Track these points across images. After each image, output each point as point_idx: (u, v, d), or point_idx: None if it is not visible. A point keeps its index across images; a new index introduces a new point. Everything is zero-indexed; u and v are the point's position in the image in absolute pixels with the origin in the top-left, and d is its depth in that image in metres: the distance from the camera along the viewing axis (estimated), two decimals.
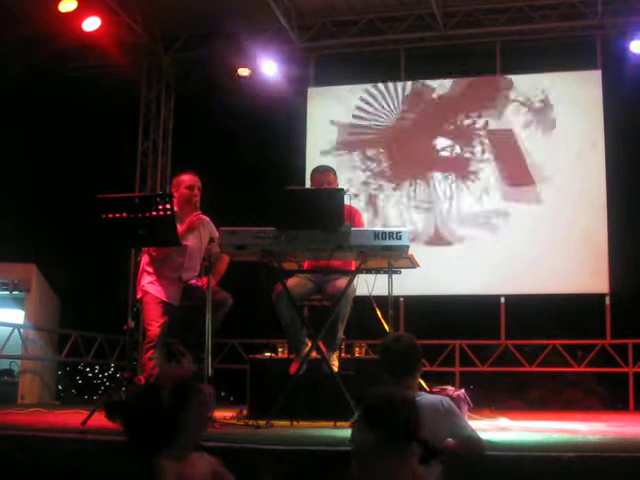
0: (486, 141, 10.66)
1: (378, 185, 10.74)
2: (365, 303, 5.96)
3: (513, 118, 10.64)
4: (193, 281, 6.02)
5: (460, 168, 10.67)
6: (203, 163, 9.98)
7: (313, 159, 10.50)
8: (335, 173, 6.18)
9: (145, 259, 6.01)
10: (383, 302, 5.76)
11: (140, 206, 5.28)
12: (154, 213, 5.27)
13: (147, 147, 11.87)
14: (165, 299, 5.89)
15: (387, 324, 5.69)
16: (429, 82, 11.08)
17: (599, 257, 10.05)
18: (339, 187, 5.37)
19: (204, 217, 6.15)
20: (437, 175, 10.73)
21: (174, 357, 6.19)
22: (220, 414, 6.07)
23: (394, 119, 11.03)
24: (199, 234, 6.04)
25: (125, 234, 5.37)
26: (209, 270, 5.61)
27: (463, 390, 5.51)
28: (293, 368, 5.57)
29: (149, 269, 5.98)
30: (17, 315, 9.56)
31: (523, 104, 10.62)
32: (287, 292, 5.53)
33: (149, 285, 5.94)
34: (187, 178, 6.16)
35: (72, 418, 5.43)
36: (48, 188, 11.02)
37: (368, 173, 10.83)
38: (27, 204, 10.75)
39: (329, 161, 9.76)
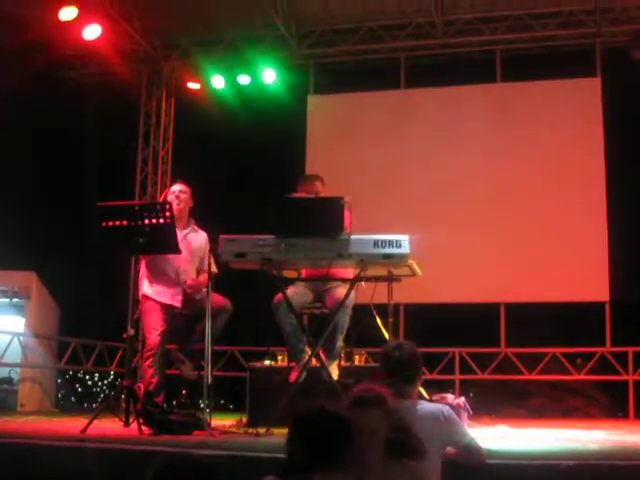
0: None
1: None
2: (365, 311, 5.96)
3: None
4: (189, 282, 6.03)
5: None
6: (203, 170, 10.04)
7: (313, 166, 10.49)
8: (322, 180, 6.17)
9: (143, 265, 6.04)
10: (383, 310, 5.76)
11: (140, 214, 5.29)
12: (154, 221, 5.28)
13: (147, 154, 11.88)
14: (166, 301, 5.92)
15: (387, 332, 5.68)
16: None
17: (599, 265, 10.05)
18: (339, 195, 5.37)
19: (197, 229, 6.21)
20: None
21: (174, 365, 6.20)
22: (219, 422, 6.06)
23: None
24: (188, 245, 6.09)
25: (125, 242, 5.37)
26: (210, 278, 5.61)
27: (463, 398, 5.50)
28: (293, 376, 5.56)
29: (148, 274, 6.02)
30: (17, 322, 9.56)
31: None
32: (287, 300, 5.53)
33: (149, 289, 5.97)
34: (172, 187, 6.30)
35: (71, 426, 5.41)
36: (48, 195, 11.03)
37: None
38: (27, 211, 10.76)
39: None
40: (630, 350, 9.96)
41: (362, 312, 5.92)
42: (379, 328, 5.91)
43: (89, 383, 12.14)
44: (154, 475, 2.21)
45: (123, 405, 5.58)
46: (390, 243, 5.13)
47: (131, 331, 5.56)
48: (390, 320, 5.59)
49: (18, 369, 9.46)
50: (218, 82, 11.50)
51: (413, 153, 10.88)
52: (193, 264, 6.14)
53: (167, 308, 5.95)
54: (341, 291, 5.64)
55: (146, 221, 5.27)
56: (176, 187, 6.28)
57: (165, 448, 3.92)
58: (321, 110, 11.49)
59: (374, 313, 5.93)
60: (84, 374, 11.83)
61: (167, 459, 2.28)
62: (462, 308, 10.33)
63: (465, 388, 10.44)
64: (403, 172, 10.81)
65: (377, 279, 5.62)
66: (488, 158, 10.62)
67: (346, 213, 5.26)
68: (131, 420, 5.25)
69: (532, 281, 10.13)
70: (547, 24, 10.67)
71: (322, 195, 5.97)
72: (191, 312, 5.97)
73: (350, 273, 5.76)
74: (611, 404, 10.77)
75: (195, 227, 6.23)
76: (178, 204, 6.11)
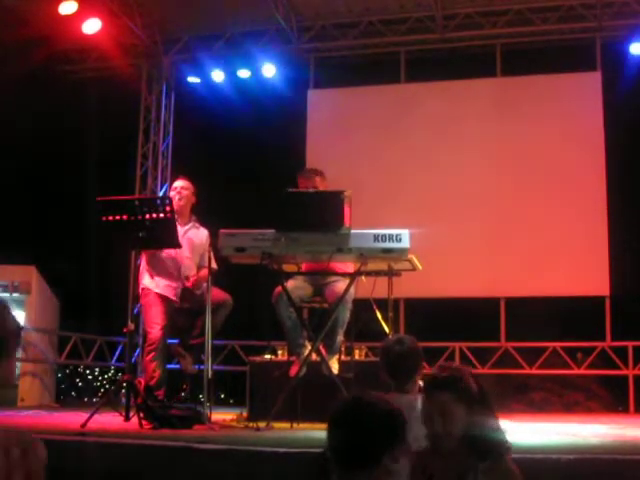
0: None
1: None
2: (365, 305, 5.96)
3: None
4: (192, 279, 6.05)
5: None
6: (203, 165, 10.02)
7: (313, 161, 10.48)
8: (322, 175, 6.15)
9: (144, 260, 6.05)
10: (383, 304, 5.76)
11: (140, 208, 5.30)
12: (154, 215, 5.29)
13: (147, 149, 11.87)
14: (166, 294, 5.94)
15: (387, 326, 5.68)
16: None
17: (599, 259, 10.05)
18: (339, 189, 5.37)
19: (198, 225, 6.23)
20: None
21: (174, 359, 6.21)
22: (220, 416, 6.07)
23: None
24: (189, 241, 6.12)
25: (125, 236, 5.38)
26: (210, 273, 5.63)
27: None
28: (293, 370, 5.56)
29: (148, 268, 6.03)
30: (17, 317, 9.54)
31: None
32: (287, 294, 5.53)
33: (150, 282, 5.99)
34: (175, 182, 6.31)
35: (72, 420, 5.42)
36: (48, 190, 11.03)
37: None
38: (27, 206, 10.76)
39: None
40: (630, 345, 9.97)
41: (362, 306, 5.92)
42: (379, 322, 5.91)
43: (89, 378, 12.15)
44: None
45: (123, 399, 5.59)
46: (390, 237, 5.13)
47: (131, 326, 5.57)
48: (390, 314, 5.59)
49: (18, 363, 9.47)
50: (218, 76, 11.49)
51: (413, 147, 10.85)
52: (194, 260, 6.16)
53: (167, 301, 5.96)
54: (341, 285, 5.64)
55: (146, 216, 5.28)
56: (178, 183, 6.30)
57: (165, 442, 3.92)
58: (321, 104, 11.47)
59: (374, 307, 5.93)
60: (84, 369, 11.84)
61: None
62: (462, 302, 10.33)
63: None
64: (403, 166, 10.80)
65: (377, 273, 5.62)
66: (488, 152, 10.61)
67: (345, 208, 5.26)
68: (131, 414, 5.26)
69: (532, 275, 10.13)
70: (547, 18, 10.65)
71: (321, 189, 5.97)
72: (192, 307, 5.99)
73: (350, 267, 5.76)
74: (611, 398, 10.78)
75: (196, 224, 6.25)
76: (179, 200, 6.13)
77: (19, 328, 2.19)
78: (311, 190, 5.93)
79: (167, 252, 5.98)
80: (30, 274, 9.59)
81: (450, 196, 10.54)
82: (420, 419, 3.36)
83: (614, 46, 10.51)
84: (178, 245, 5.69)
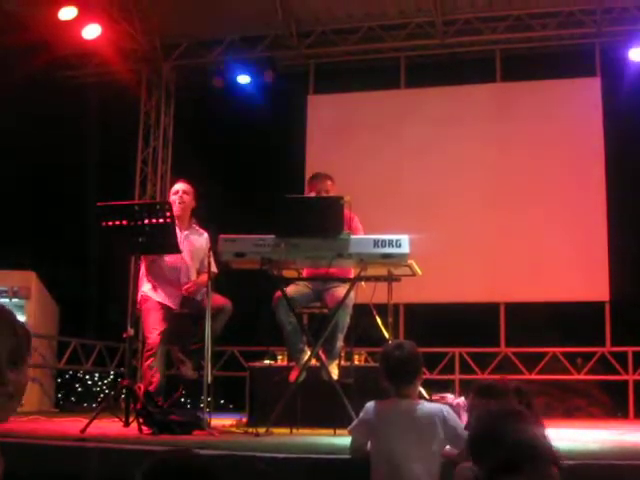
0: None
1: None
2: (365, 311, 5.96)
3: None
4: (187, 285, 6.04)
5: None
6: (203, 171, 10.02)
7: (313, 166, 10.47)
8: (333, 180, 6.19)
9: (144, 265, 6.05)
10: (383, 310, 5.75)
11: (140, 214, 5.30)
12: (154, 221, 5.29)
13: (147, 155, 11.87)
14: (165, 302, 5.93)
15: (387, 332, 5.68)
16: None
17: (599, 264, 10.05)
18: (338, 195, 5.37)
19: (198, 229, 6.23)
20: None
21: (174, 365, 6.20)
22: (219, 422, 6.06)
23: None
24: (189, 245, 6.12)
25: (125, 241, 5.38)
26: (210, 278, 5.62)
27: (463, 398, 5.49)
28: (293, 376, 5.56)
29: (148, 275, 6.02)
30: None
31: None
32: (287, 299, 5.53)
33: (149, 290, 5.98)
34: (175, 185, 6.28)
35: (71, 426, 5.41)
36: (48, 195, 11.02)
37: None
38: (27, 211, 10.76)
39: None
40: (630, 350, 9.96)
41: (362, 312, 5.92)
42: (379, 328, 5.91)
43: (89, 383, 12.11)
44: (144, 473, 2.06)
45: (123, 405, 5.58)
46: (390, 243, 5.13)
47: (131, 331, 5.57)
48: (390, 320, 5.59)
49: None
50: (218, 82, 11.49)
51: (413, 152, 10.86)
52: (194, 265, 6.15)
53: (166, 307, 5.96)
54: (341, 290, 5.64)
55: (146, 221, 5.28)
56: (180, 186, 6.24)
57: (165, 448, 3.91)
58: (321, 110, 11.47)
59: (374, 313, 5.93)
60: (84, 374, 11.81)
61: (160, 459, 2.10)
62: (462, 308, 10.32)
63: (465, 388, 10.42)
64: (403, 172, 10.81)
65: (377, 279, 5.62)
66: (487, 158, 10.61)
67: (353, 215, 5.28)
68: (131, 420, 5.25)
69: (532, 281, 10.13)
70: (547, 24, 10.66)
71: (332, 194, 5.98)
72: (191, 312, 5.99)
73: (351, 272, 5.77)
74: (611, 404, 10.76)
75: (197, 228, 6.25)
76: (181, 204, 6.11)
77: (29, 333, 2.19)
78: (310, 196, 5.94)
79: (167, 258, 5.98)
80: (30, 279, 9.58)
81: (450, 201, 10.55)
82: (419, 422, 3.38)
83: (614, 52, 10.50)
84: (178, 250, 5.68)
